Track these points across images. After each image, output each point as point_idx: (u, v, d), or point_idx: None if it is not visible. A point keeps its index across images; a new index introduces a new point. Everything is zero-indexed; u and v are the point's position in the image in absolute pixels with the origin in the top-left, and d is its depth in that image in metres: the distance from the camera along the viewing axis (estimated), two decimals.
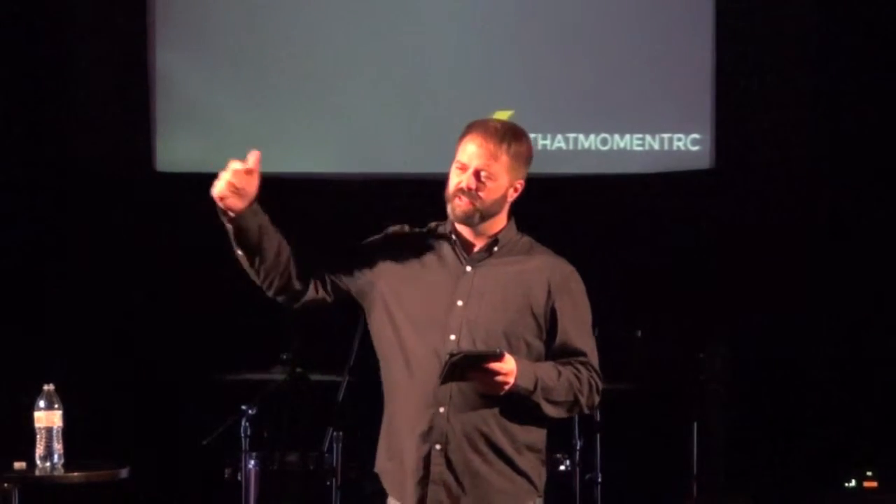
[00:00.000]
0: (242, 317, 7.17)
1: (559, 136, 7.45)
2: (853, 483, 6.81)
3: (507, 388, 3.82)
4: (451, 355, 3.77)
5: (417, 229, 4.15)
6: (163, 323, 7.26)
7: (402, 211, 7.36)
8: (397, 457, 3.97)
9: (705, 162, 7.46)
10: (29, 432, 4.74)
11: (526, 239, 4.10)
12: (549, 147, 7.42)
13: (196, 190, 7.32)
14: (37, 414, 4.72)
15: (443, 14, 7.46)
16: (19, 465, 4.73)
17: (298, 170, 7.45)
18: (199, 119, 7.45)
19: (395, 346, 3.96)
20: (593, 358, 4.03)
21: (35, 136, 7.37)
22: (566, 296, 4.01)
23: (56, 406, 4.72)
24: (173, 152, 7.45)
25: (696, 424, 6.68)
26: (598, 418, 6.59)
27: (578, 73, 7.43)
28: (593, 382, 3.99)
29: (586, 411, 4.04)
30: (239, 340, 6.97)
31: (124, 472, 4.87)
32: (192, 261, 7.32)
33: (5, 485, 4.68)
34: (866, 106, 7.30)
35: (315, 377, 6.11)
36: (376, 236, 4.13)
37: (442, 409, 3.89)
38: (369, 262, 4.04)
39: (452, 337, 3.91)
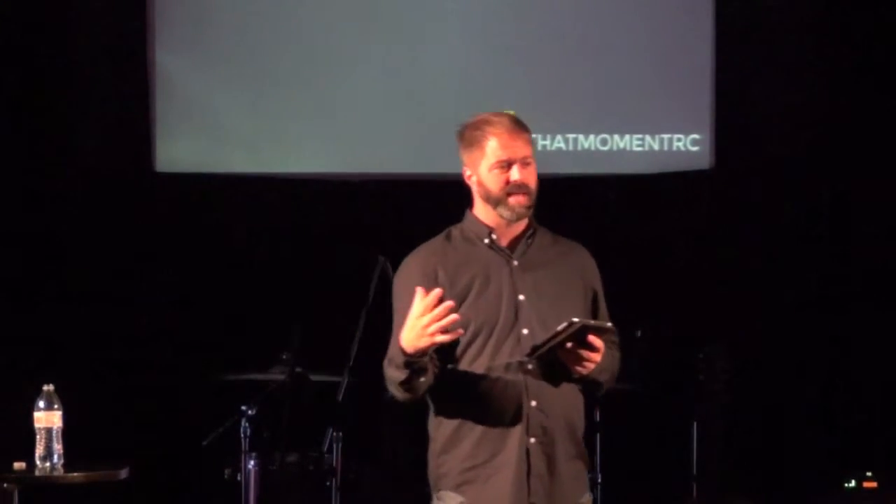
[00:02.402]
0: (242, 317, 7.18)
1: (559, 136, 7.45)
2: (853, 483, 6.81)
3: (592, 366, 3.90)
4: (571, 323, 3.79)
5: (437, 240, 4.12)
6: (163, 323, 7.26)
7: (402, 211, 7.43)
8: (485, 461, 3.97)
9: (705, 162, 7.46)
10: (29, 432, 4.74)
11: (542, 228, 4.15)
12: (549, 147, 7.42)
13: (195, 190, 7.41)
14: (36, 414, 4.72)
15: (443, 14, 7.46)
16: (19, 465, 4.73)
17: (298, 170, 7.45)
18: (198, 119, 7.45)
19: (471, 357, 3.97)
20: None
21: (35, 136, 7.36)
22: (594, 276, 4.15)
23: (56, 406, 4.72)
24: (173, 152, 7.44)
25: (695, 424, 6.67)
26: (598, 418, 6.59)
27: (578, 73, 7.43)
28: (619, 356, 4.12)
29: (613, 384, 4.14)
30: (239, 340, 6.97)
31: (124, 473, 4.87)
32: (191, 261, 7.32)
33: (5, 485, 4.68)
34: (866, 106, 7.30)
35: (315, 377, 6.11)
36: (409, 276, 4.03)
37: (534, 403, 3.94)
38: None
39: (525, 331, 3.95)
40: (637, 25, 7.44)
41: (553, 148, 7.44)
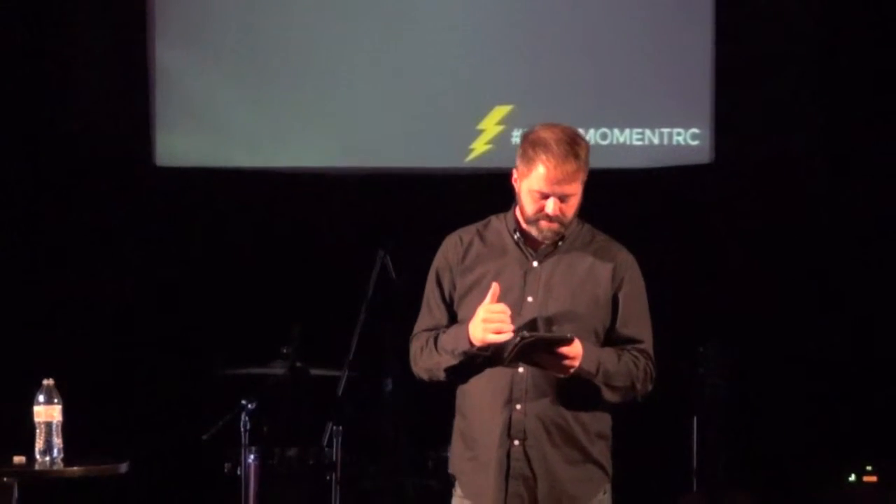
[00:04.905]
0: (242, 311, 7.18)
1: None
2: (853, 478, 6.82)
3: (571, 371, 3.89)
4: (523, 337, 3.83)
5: (475, 227, 4.16)
6: (163, 318, 7.26)
7: (401, 205, 7.42)
8: (476, 456, 4.04)
9: (705, 157, 7.46)
10: (28, 427, 4.74)
11: (586, 227, 4.16)
12: None
13: (196, 184, 7.41)
14: (36, 408, 4.72)
15: (442, 10, 7.45)
16: (19, 459, 4.74)
17: (297, 164, 7.45)
18: (198, 114, 7.45)
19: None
20: (650, 346, 4.11)
21: (35, 132, 7.37)
22: (628, 285, 4.13)
23: (55, 401, 4.72)
24: (173, 147, 7.45)
25: (695, 420, 6.67)
26: None
27: (578, 68, 7.43)
28: (649, 370, 4.09)
29: (639, 399, 4.11)
30: (239, 335, 6.97)
31: (124, 467, 4.88)
32: (191, 255, 7.32)
33: (5, 479, 4.68)
34: (866, 102, 7.30)
35: (315, 372, 6.11)
36: (439, 255, 4.14)
37: (519, 406, 3.98)
38: (450, 287, 4.09)
39: (526, 333, 3.94)
40: (637, 19, 7.43)
41: None
